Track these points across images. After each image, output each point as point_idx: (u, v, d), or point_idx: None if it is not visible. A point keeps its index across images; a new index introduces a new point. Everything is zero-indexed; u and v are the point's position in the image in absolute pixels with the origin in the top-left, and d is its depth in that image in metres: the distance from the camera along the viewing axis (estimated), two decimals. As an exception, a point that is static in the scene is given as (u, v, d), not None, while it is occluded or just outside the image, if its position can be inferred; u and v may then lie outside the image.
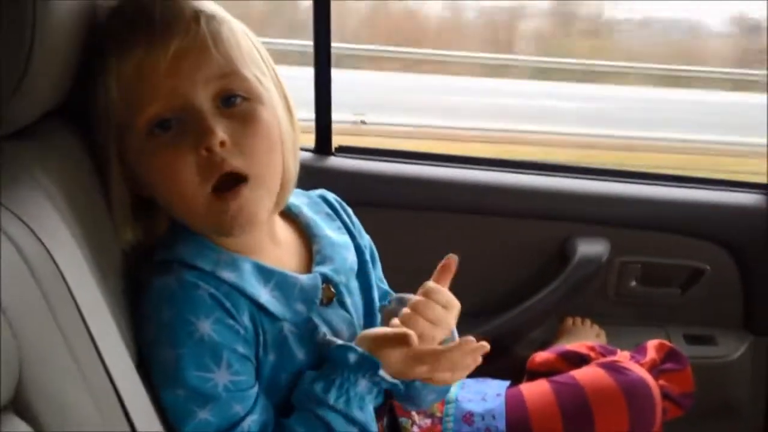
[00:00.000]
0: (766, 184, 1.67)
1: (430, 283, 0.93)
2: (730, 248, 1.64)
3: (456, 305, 0.93)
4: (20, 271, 0.63)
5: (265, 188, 0.87)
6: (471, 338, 0.87)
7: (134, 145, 0.85)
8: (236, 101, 0.85)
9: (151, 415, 0.79)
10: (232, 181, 0.84)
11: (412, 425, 1.11)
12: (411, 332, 0.88)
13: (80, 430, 0.65)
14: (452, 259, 0.95)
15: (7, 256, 0.62)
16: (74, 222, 0.75)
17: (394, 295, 0.99)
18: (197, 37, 0.83)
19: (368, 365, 0.87)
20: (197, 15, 0.84)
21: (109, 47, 0.83)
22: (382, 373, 0.87)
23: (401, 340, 0.87)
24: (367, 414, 0.89)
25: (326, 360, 0.90)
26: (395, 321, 0.91)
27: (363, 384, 0.88)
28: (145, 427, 0.74)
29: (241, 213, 0.85)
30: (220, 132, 0.82)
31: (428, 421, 1.13)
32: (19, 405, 0.60)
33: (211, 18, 0.85)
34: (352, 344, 0.89)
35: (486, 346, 0.88)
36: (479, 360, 0.89)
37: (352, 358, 0.87)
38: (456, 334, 0.98)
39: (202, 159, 0.82)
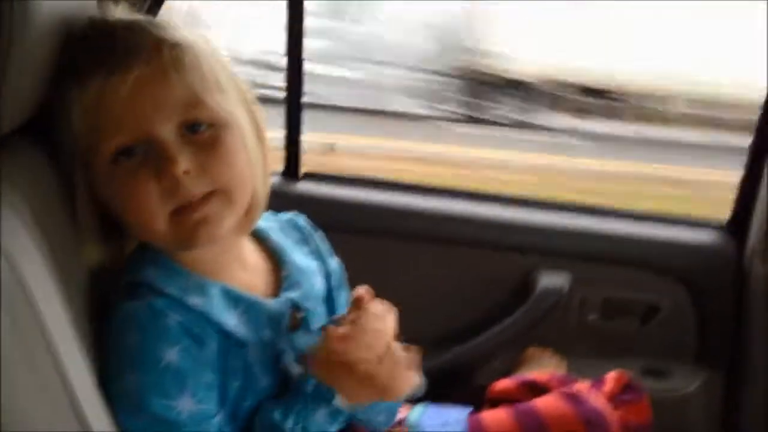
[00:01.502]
0: (723, 222, 1.72)
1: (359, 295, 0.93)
2: (687, 284, 1.67)
3: (390, 310, 0.93)
4: None
5: (231, 204, 0.86)
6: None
7: (99, 171, 0.84)
8: (201, 128, 0.84)
9: (111, 430, 0.79)
10: (199, 201, 0.84)
11: (373, 450, 1.11)
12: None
13: None
14: (361, 295, 0.94)
15: None
16: (43, 242, 0.75)
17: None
18: (158, 65, 0.82)
19: (323, 393, 0.88)
20: (159, 43, 0.83)
21: (71, 74, 0.82)
22: (336, 402, 0.88)
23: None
24: None
25: (287, 387, 0.90)
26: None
27: (321, 414, 0.88)
28: None
29: (202, 224, 0.84)
30: (183, 161, 0.81)
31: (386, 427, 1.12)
32: None
33: (174, 46, 0.83)
34: (309, 374, 0.89)
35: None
36: (389, 323, 0.91)
37: (309, 387, 0.88)
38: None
39: (164, 187, 0.81)
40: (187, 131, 0.83)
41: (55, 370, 0.69)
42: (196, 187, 0.83)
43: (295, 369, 0.91)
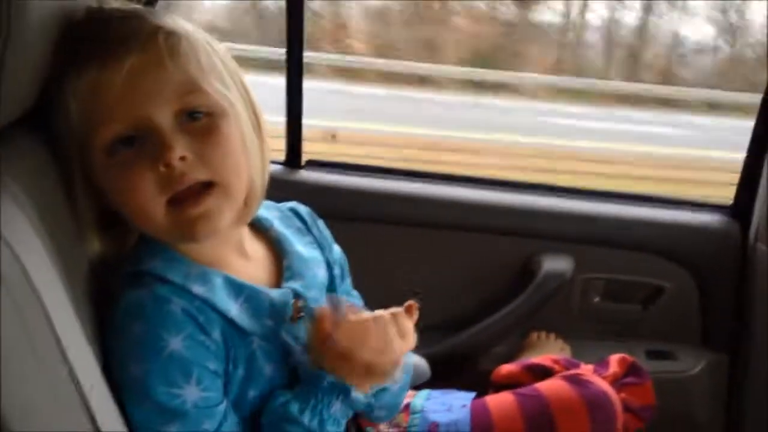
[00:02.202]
0: (727, 205, 1.72)
1: (399, 310, 0.93)
2: (690, 266, 1.67)
3: (411, 339, 0.93)
4: None
5: (229, 197, 0.86)
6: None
7: (96, 161, 0.84)
8: (198, 116, 0.84)
9: (116, 420, 0.79)
10: (197, 190, 0.84)
11: (378, 436, 1.11)
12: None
13: (44, 430, 0.65)
14: (414, 306, 0.94)
15: None
16: (43, 229, 0.75)
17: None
18: (154, 53, 0.81)
19: (340, 389, 0.88)
20: (154, 31, 0.83)
21: (67, 64, 0.82)
22: (353, 395, 0.88)
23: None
24: None
25: (300, 380, 0.90)
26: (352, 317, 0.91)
27: (337, 406, 0.89)
28: (109, 428, 0.74)
29: (201, 219, 0.84)
30: (180, 147, 0.81)
31: (387, 420, 1.13)
32: None
33: (169, 33, 0.83)
34: (324, 372, 0.89)
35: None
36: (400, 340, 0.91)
37: (325, 382, 0.88)
38: (410, 365, 1.01)
39: (161, 174, 0.81)
40: (185, 119, 0.83)
41: (59, 356, 0.69)
42: (193, 175, 0.82)
43: (299, 359, 0.92)
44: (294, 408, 0.88)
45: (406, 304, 0.94)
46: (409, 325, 0.92)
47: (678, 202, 1.79)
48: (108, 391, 0.80)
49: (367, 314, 0.91)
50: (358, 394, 0.90)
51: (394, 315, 0.91)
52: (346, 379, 0.89)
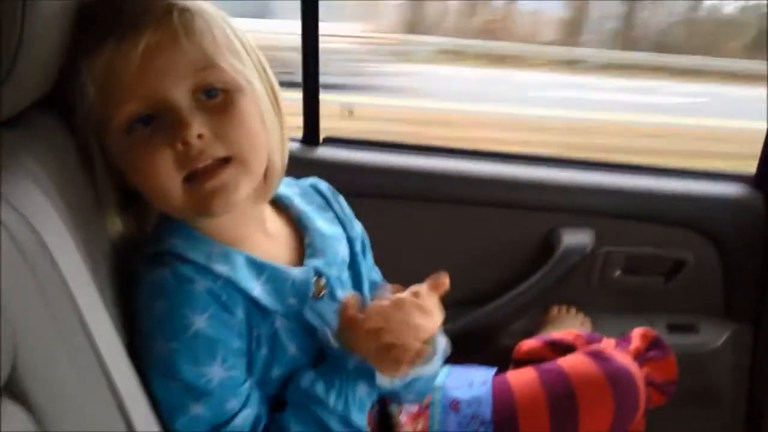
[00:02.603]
0: (749, 175, 1.69)
1: (422, 287, 0.89)
2: (713, 238, 1.66)
3: (437, 315, 0.89)
4: (14, 258, 0.63)
5: (247, 171, 0.85)
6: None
7: (114, 141, 0.84)
8: (216, 93, 0.84)
9: (141, 398, 0.80)
10: (215, 166, 0.83)
11: (400, 412, 1.12)
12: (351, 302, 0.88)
13: (71, 410, 0.66)
14: (443, 279, 0.90)
15: (2, 244, 0.62)
16: (65, 211, 0.75)
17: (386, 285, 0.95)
18: (168, 31, 0.81)
19: (366, 371, 0.88)
20: (169, 8, 0.82)
21: (81, 45, 0.82)
22: (378, 378, 0.88)
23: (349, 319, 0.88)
24: (364, 417, 0.90)
25: (326, 360, 0.91)
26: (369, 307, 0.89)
27: (362, 389, 0.89)
28: (134, 408, 0.75)
29: (217, 192, 0.83)
30: (197, 125, 0.81)
31: (415, 408, 1.13)
32: (13, 387, 0.61)
33: (183, 10, 0.83)
34: (350, 354, 0.88)
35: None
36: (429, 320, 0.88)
37: (350, 364, 0.88)
38: (441, 342, 0.98)
39: (179, 152, 0.81)
40: (201, 97, 0.83)
41: (83, 335, 0.70)
42: (210, 152, 0.82)
43: (324, 340, 0.92)
44: (320, 388, 0.88)
45: (433, 278, 0.90)
46: (432, 302, 0.89)
47: (699, 173, 1.76)
48: (132, 369, 0.81)
49: (386, 300, 0.88)
50: (385, 381, 0.89)
51: (416, 294, 0.88)
52: (374, 363, 0.88)
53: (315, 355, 0.92)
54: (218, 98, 0.84)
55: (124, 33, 0.80)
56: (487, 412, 1.16)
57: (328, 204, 1.04)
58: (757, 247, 1.64)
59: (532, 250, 1.66)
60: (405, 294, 0.89)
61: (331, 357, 0.91)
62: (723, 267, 1.67)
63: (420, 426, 1.14)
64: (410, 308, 0.86)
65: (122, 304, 0.85)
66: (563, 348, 1.30)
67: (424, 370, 0.96)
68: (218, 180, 0.83)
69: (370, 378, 0.89)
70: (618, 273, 1.68)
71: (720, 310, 1.69)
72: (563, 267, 1.60)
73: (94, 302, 0.76)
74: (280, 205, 1.00)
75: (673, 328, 1.67)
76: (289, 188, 1.02)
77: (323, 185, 1.07)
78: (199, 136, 0.81)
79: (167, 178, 0.82)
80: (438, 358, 0.98)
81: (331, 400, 0.88)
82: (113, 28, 0.81)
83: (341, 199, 1.07)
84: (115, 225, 0.89)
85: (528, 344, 1.36)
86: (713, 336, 1.66)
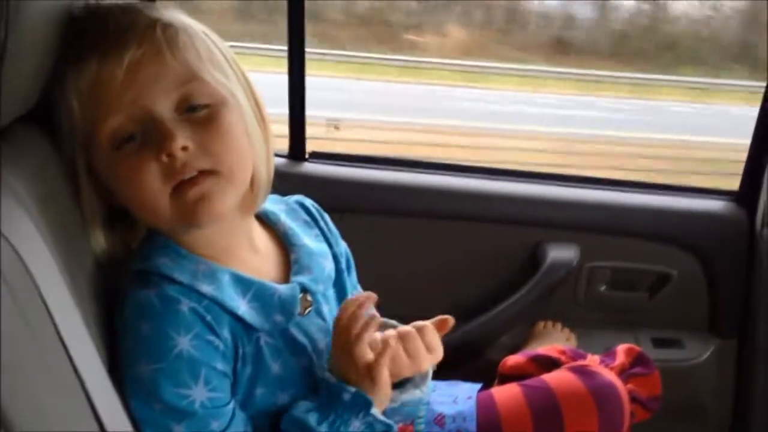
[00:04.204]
0: (732, 191, 1.71)
1: (428, 324, 0.93)
2: (697, 253, 1.67)
3: (439, 354, 0.93)
4: None
5: (231, 182, 0.86)
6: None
7: (100, 155, 0.84)
8: (199, 108, 0.84)
9: (122, 418, 0.80)
10: (199, 177, 0.84)
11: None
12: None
13: (53, 431, 0.65)
14: (450, 320, 0.95)
15: None
16: (46, 229, 0.75)
17: (379, 318, 0.95)
18: (152, 45, 0.82)
19: (361, 404, 0.88)
20: (152, 23, 0.83)
21: (66, 60, 0.82)
22: (373, 411, 0.88)
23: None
24: None
25: (320, 392, 0.90)
26: (378, 335, 0.91)
27: (356, 425, 0.88)
28: (115, 429, 0.74)
29: (201, 201, 0.83)
30: (181, 138, 0.81)
31: (400, 423, 1.13)
32: None
33: (167, 25, 0.84)
34: (345, 385, 0.88)
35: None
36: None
37: (346, 396, 0.88)
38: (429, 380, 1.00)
39: (164, 165, 0.81)
40: (186, 110, 0.83)
41: (63, 354, 0.69)
42: (195, 164, 0.82)
43: (310, 362, 0.92)
44: (312, 419, 0.87)
45: (440, 318, 0.94)
46: (436, 339, 0.92)
47: (683, 189, 1.78)
48: (113, 388, 0.80)
49: (392, 331, 0.91)
50: (377, 412, 0.89)
51: (421, 329, 0.91)
52: (367, 392, 0.88)
53: (300, 375, 0.92)
54: (202, 112, 0.84)
55: (109, 48, 0.81)
56: (472, 427, 1.16)
57: (314, 221, 1.04)
58: (740, 262, 1.66)
59: (517, 265, 1.66)
60: (410, 327, 0.92)
61: (325, 390, 0.90)
62: (707, 282, 1.68)
63: (405, 441, 1.14)
64: (416, 341, 0.90)
65: (105, 323, 0.84)
66: (548, 364, 1.30)
67: (412, 396, 0.96)
68: (201, 189, 0.83)
69: (365, 410, 0.88)
70: (603, 288, 1.68)
71: (704, 325, 1.70)
72: (549, 282, 1.61)
73: (74, 321, 0.75)
74: (266, 221, 1.00)
75: (658, 343, 1.67)
76: (275, 205, 1.02)
77: (308, 202, 1.07)
78: (184, 149, 0.81)
79: (154, 192, 0.82)
80: (427, 386, 0.99)
81: (323, 430, 0.87)
82: (98, 44, 0.81)
83: (326, 216, 1.07)
84: (100, 242, 0.88)
85: (513, 359, 1.36)
86: (698, 350, 1.67)
